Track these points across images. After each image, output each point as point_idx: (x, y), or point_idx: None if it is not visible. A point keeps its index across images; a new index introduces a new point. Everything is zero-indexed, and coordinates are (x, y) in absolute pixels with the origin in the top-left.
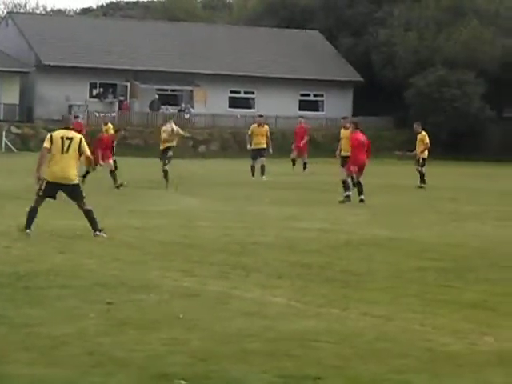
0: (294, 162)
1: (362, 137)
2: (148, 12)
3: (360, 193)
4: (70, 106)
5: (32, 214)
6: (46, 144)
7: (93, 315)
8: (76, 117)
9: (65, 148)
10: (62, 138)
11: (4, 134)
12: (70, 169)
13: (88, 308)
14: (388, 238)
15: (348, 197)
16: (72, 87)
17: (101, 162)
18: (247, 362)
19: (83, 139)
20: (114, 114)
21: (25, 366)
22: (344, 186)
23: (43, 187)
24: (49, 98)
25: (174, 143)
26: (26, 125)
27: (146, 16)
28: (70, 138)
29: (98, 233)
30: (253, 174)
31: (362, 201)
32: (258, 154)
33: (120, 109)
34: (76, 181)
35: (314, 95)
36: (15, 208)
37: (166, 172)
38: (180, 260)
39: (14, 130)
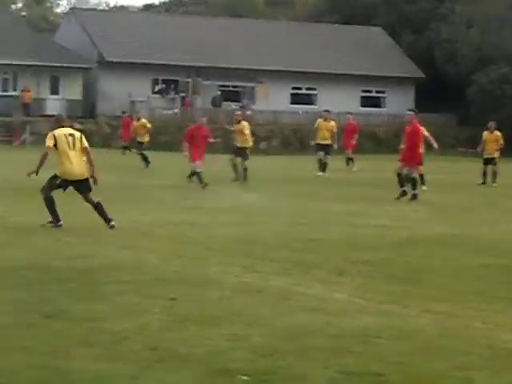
0: (346, 160)
1: (421, 128)
2: (210, 8)
3: (402, 188)
4: (133, 102)
5: (51, 206)
6: (50, 142)
7: (157, 310)
8: (123, 112)
9: (70, 144)
10: (65, 135)
11: None
12: (83, 164)
13: (149, 303)
14: (450, 235)
15: (415, 194)
16: (134, 83)
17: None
18: (309, 358)
19: (83, 135)
20: (176, 111)
21: (88, 361)
22: (413, 183)
23: (58, 182)
24: (111, 94)
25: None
26: (88, 121)
27: (208, 12)
28: (72, 135)
29: (112, 223)
30: (319, 168)
31: (413, 195)
32: (322, 149)
33: (182, 105)
34: (87, 175)
35: (376, 91)
36: (79, 204)
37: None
38: (242, 256)
39: (76, 125)
